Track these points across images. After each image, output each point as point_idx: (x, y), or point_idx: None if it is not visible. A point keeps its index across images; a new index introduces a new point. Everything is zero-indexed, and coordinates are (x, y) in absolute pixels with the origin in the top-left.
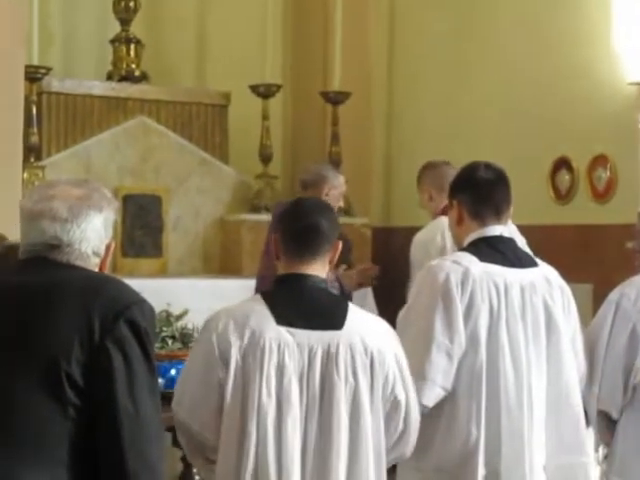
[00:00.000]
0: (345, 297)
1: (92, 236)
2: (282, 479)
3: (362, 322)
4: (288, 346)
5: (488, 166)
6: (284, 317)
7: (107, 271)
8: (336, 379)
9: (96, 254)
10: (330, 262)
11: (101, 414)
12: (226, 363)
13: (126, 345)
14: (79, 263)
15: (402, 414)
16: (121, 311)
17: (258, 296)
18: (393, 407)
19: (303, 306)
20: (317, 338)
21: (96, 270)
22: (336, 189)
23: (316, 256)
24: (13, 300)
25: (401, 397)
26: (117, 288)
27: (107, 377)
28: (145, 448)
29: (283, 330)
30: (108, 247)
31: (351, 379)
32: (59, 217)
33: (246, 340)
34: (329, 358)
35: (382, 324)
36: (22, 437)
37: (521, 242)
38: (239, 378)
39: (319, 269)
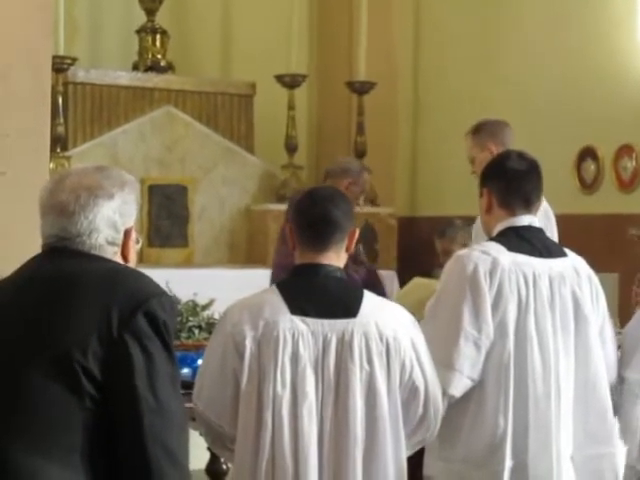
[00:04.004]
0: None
1: (102, 226)
2: (299, 467)
3: (377, 309)
4: (302, 335)
5: (521, 156)
6: (298, 307)
7: (133, 259)
8: (351, 366)
9: (111, 243)
10: (347, 250)
11: (122, 407)
12: (241, 354)
13: (144, 338)
14: (95, 253)
15: (421, 400)
16: (139, 304)
17: (273, 287)
18: (412, 393)
19: (317, 295)
20: (331, 326)
21: (116, 258)
22: (357, 185)
23: (329, 245)
24: (30, 290)
25: (419, 383)
26: (137, 281)
27: (126, 370)
28: (167, 439)
29: (297, 320)
30: (128, 232)
31: (366, 366)
32: (66, 211)
33: (260, 330)
34: (344, 346)
35: (399, 311)
36: (37, 427)
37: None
38: (254, 368)
39: (334, 258)
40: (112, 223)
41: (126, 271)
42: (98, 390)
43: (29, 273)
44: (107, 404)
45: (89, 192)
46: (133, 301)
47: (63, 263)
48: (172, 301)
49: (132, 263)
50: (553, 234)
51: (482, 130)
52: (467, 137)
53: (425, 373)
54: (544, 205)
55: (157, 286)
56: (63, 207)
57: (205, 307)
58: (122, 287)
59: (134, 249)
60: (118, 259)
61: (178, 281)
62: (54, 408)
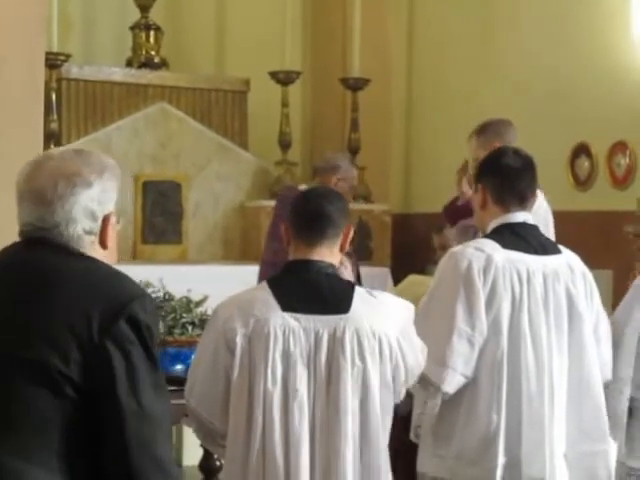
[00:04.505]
0: (353, 281)
1: (80, 216)
2: (290, 464)
3: (369, 305)
4: (293, 332)
5: (516, 153)
6: (289, 303)
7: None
8: (342, 362)
9: (89, 232)
10: (341, 249)
11: (104, 414)
12: (232, 351)
13: (126, 343)
14: (72, 245)
15: (403, 387)
16: (121, 308)
17: (264, 283)
18: (397, 382)
19: (308, 291)
20: (323, 322)
21: (95, 246)
22: (345, 181)
23: (321, 241)
24: (7, 284)
25: (402, 373)
26: (117, 282)
27: (108, 376)
28: (152, 444)
29: (288, 316)
30: (106, 218)
31: (358, 362)
32: (44, 199)
33: (251, 327)
34: (335, 342)
35: (392, 306)
36: (22, 430)
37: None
38: (245, 365)
39: (326, 254)
40: (90, 212)
41: (105, 271)
42: (79, 394)
43: (6, 261)
44: (89, 407)
45: (67, 180)
46: (114, 305)
47: (41, 257)
48: (153, 301)
49: (112, 250)
50: (549, 231)
51: (488, 130)
52: (471, 138)
53: (407, 363)
54: (544, 204)
55: (137, 287)
56: (40, 195)
57: (199, 303)
58: (102, 290)
59: (114, 234)
60: (96, 247)
61: (172, 277)
62: (38, 412)
